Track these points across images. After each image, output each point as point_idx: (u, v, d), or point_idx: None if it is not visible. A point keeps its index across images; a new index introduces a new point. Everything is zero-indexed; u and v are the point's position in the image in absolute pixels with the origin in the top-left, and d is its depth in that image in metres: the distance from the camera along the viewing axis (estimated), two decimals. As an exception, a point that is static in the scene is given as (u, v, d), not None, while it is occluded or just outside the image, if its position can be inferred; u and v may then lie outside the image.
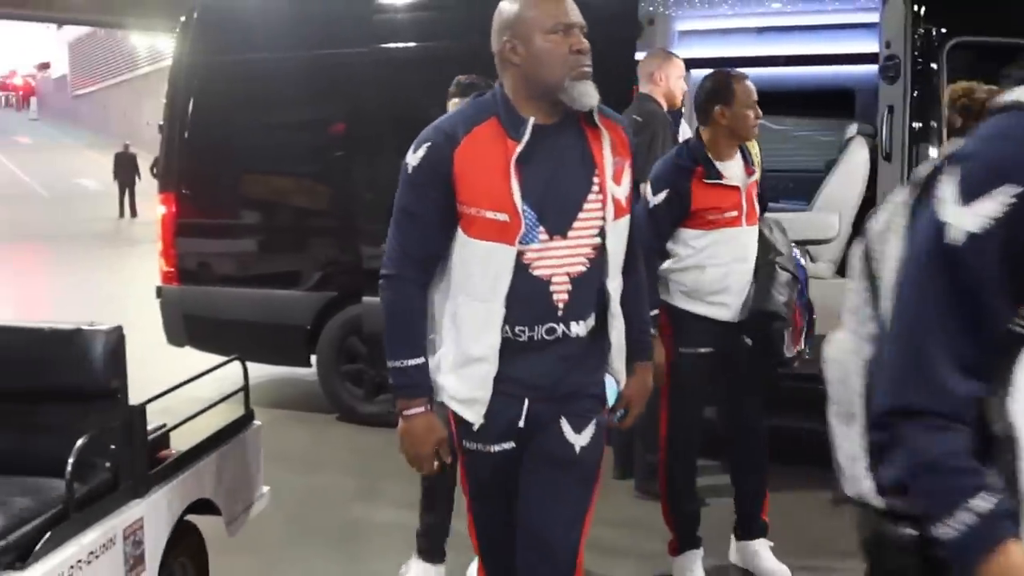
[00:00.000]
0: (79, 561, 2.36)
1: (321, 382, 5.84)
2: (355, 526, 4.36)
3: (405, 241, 2.20)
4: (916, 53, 4.57)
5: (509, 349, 2.15)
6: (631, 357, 2.36)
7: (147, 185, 21.68)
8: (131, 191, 21.79)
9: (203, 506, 3.07)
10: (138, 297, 7.30)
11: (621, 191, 2.20)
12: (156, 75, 35.81)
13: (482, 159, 2.09)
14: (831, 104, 6.23)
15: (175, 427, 3.01)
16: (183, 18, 6.15)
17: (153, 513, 2.72)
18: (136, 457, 2.68)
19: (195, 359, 5.40)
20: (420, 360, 2.20)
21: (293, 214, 6.06)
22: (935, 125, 4.50)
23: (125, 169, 21.86)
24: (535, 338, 2.14)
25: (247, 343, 5.66)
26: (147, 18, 28.21)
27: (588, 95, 2.08)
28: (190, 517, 3.02)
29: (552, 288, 2.13)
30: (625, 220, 2.23)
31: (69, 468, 2.38)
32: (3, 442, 2.62)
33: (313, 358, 5.85)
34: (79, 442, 2.42)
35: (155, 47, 35.39)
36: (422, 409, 2.22)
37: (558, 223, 2.12)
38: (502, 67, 2.15)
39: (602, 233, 2.17)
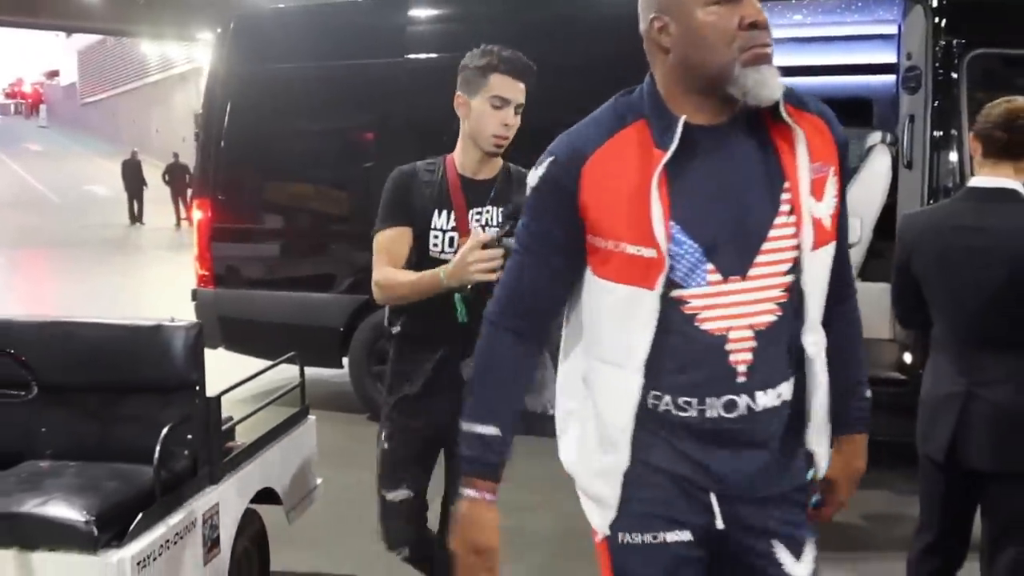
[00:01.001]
0: (167, 541, 2.52)
1: (353, 383, 5.99)
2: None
3: (513, 281, 1.71)
4: (937, 64, 4.73)
5: (670, 430, 1.62)
6: (839, 429, 1.78)
7: (156, 192, 21.95)
8: (139, 199, 21.99)
9: (266, 496, 3.23)
10: (155, 300, 7.45)
11: (823, 209, 1.62)
12: (166, 83, 36.12)
13: (620, 175, 1.58)
14: (850, 113, 6.36)
15: (242, 420, 3.17)
16: (219, 29, 6.33)
17: (226, 499, 2.88)
18: (212, 446, 2.83)
19: (232, 360, 5.55)
20: (494, 430, 1.70)
21: (325, 219, 6.22)
22: (955, 133, 4.65)
23: (132, 176, 22.07)
24: (708, 415, 1.59)
25: (281, 344, 5.80)
26: (157, 26, 28.52)
27: (767, 84, 1.54)
28: (253, 506, 3.18)
29: (729, 347, 1.57)
30: (829, 249, 1.64)
31: (157, 454, 2.53)
32: (91, 431, 2.78)
33: (345, 359, 5.99)
34: (164, 430, 2.58)
35: (165, 55, 35.68)
36: (480, 495, 1.70)
37: (734, 259, 1.56)
38: (651, 53, 1.65)
39: (796, 268, 1.59)
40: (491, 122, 2.56)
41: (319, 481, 3.66)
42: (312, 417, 3.61)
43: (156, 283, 12.85)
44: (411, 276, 2.53)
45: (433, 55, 5.74)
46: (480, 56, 2.56)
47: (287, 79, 6.04)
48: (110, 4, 27.71)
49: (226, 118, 6.18)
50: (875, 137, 5.59)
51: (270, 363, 3.43)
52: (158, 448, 2.54)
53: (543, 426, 2.90)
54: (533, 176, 1.69)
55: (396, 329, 2.70)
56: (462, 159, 2.63)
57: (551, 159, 1.66)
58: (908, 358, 4.69)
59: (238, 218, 6.21)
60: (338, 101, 6.00)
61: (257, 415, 3.25)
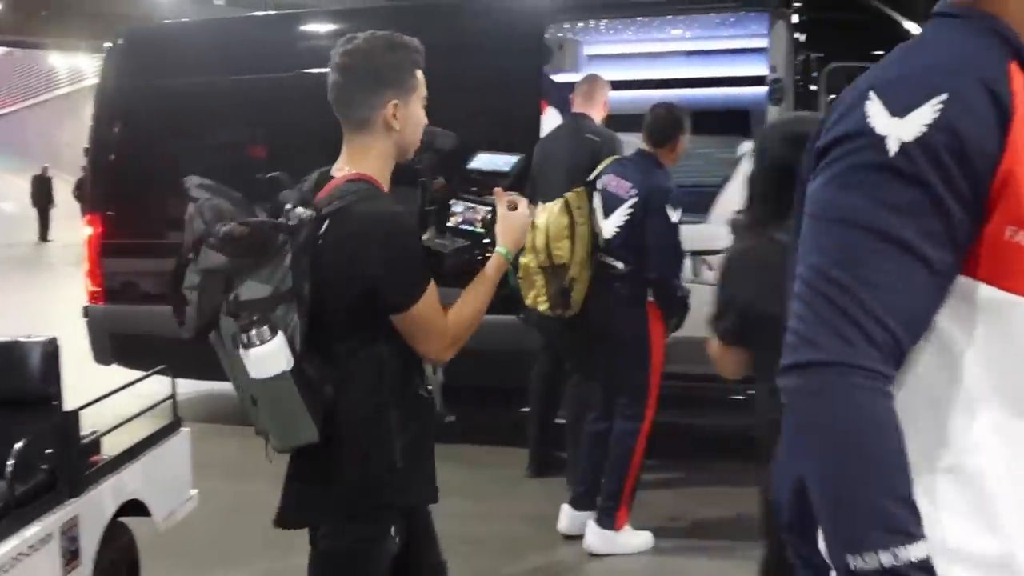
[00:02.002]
0: (20, 554, 2.56)
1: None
2: (281, 531, 4.55)
3: (869, 294, 1.05)
4: (798, 77, 5.00)
5: None
6: None
7: (68, 208, 21.43)
8: (45, 216, 21.50)
9: (135, 508, 3.27)
10: (62, 316, 7.35)
11: None
12: (76, 95, 35.20)
13: None
14: (727, 124, 6.64)
15: (105, 433, 3.21)
16: (109, 43, 6.31)
17: (87, 512, 2.92)
18: (71, 459, 2.87)
19: (123, 376, 5.53)
20: (923, 549, 1.00)
21: (219, 233, 6.23)
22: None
23: (41, 193, 21.58)
24: None
25: (175, 359, 5.81)
26: (67, 39, 27.86)
27: None
28: (123, 520, 3.22)
29: None
30: None
31: (9, 469, 2.57)
32: (-55, 447, 2.79)
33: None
34: (18, 445, 2.62)
35: (75, 67, 34.84)
36: None
37: None
38: None
39: None
40: (421, 128, 2.20)
41: (193, 493, 3.71)
42: (185, 429, 3.66)
43: (62, 301, 12.59)
44: (470, 294, 2.15)
45: (325, 70, 5.81)
46: (396, 48, 2.13)
47: (178, 93, 6.04)
48: (13, 14, 26.99)
49: (116, 133, 6.16)
50: (746, 147, 5.83)
51: (137, 377, 3.46)
52: (11, 462, 2.58)
53: None
54: (903, 124, 1.05)
55: None
56: (384, 177, 2.15)
57: (946, 97, 1.05)
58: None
59: (129, 233, 6.18)
60: (229, 116, 6.03)
61: (135, 433, 3.30)
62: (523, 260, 4.26)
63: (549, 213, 4.26)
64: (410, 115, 2.13)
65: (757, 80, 6.30)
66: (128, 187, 6.19)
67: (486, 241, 2.26)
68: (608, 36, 6.47)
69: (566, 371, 4.84)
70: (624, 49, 6.72)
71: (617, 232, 4.14)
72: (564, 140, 4.81)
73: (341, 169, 2.13)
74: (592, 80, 5.00)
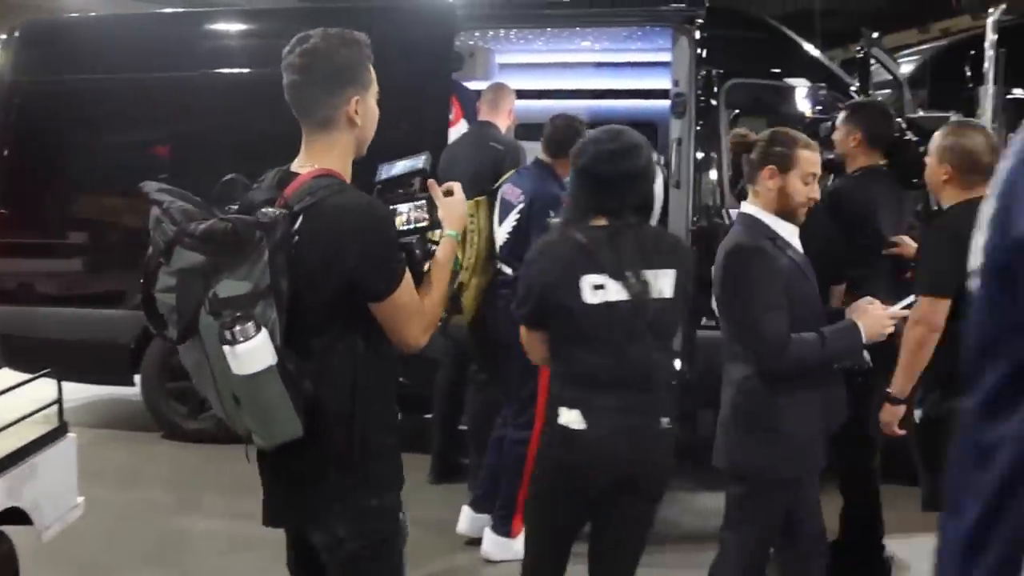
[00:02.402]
0: None
1: (145, 400, 5.87)
2: (174, 537, 4.47)
3: None
4: (699, 91, 5.11)
5: None
6: None
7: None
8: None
9: (16, 516, 3.15)
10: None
11: None
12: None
13: None
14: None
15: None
16: (3, 36, 6.08)
17: (-40, 520, 2.80)
18: (-57, 465, 2.76)
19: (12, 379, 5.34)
20: None
21: (116, 233, 6.05)
22: (715, 156, 5.05)
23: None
24: None
25: (67, 362, 5.64)
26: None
27: None
28: (3, 528, 3.10)
29: None
30: None
31: None
32: None
33: (137, 376, 5.87)
34: None
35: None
36: None
37: None
38: None
39: None
40: (376, 122, 2.21)
41: (80, 500, 3.59)
42: (72, 435, 3.54)
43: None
44: (433, 278, 2.20)
45: (234, 70, 5.72)
46: (351, 44, 2.14)
47: (77, 90, 5.86)
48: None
49: (10, 128, 5.95)
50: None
51: (20, 380, 3.35)
52: None
53: None
54: None
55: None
56: (347, 172, 2.17)
57: None
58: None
59: (22, 232, 5.97)
60: (131, 114, 5.87)
61: (21, 437, 3.19)
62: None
63: None
64: (368, 110, 2.16)
65: (663, 93, 6.43)
66: (22, 186, 5.98)
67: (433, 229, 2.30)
68: (519, 45, 6.52)
69: (470, 376, 4.85)
70: (534, 59, 6.78)
71: (507, 239, 4.20)
72: (468, 148, 4.84)
73: (304, 166, 2.14)
74: (497, 88, 5.03)
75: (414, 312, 2.11)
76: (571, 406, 2.58)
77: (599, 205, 2.61)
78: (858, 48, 4.75)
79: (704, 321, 4.45)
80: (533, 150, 4.87)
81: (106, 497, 4.42)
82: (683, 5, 5.31)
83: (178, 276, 1.98)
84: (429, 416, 5.19)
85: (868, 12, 12.69)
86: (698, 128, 5.11)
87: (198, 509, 4.80)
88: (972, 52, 11.59)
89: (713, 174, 5.06)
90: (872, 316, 2.82)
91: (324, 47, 2.11)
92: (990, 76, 8.30)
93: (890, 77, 5.37)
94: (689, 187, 5.07)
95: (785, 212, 2.88)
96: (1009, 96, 7.25)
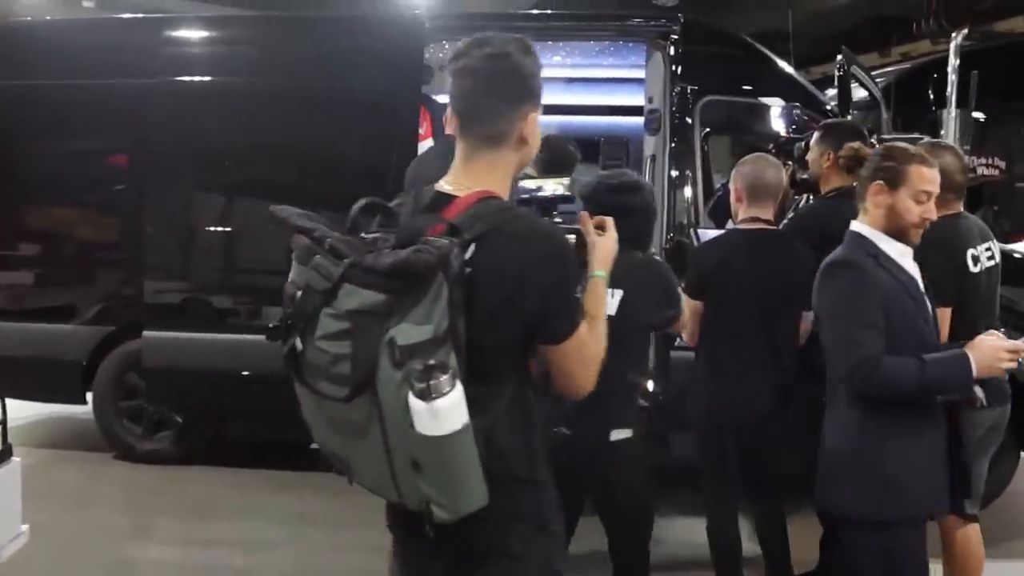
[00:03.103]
0: None
1: (97, 419, 5.64)
2: (125, 566, 4.26)
3: None
4: (674, 108, 5.03)
5: None
6: None
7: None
8: None
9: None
10: None
11: None
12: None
13: None
14: (607, 153, 6.66)
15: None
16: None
17: None
18: None
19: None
20: None
21: (70, 246, 5.80)
22: (689, 174, 4.96)
23: None
24: None
25: (17, 380, 5.41)
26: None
27: None
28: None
29: None
30: None
31: None
32: None
33: (89, 395, 5.64)
34: None
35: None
36: None
37: None
38: None
39: None
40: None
41: (24, 528, 3.37)
42: (16, 459, 3.33)
43: None
44: (592, 324, 1.93)
45: (194, 78, 5.52)
46: (531, 53, 1.90)
47: (29, 97, 5.63)
48: None
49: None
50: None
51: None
52: None
53: None
54: None
55: None
56: (507, 196, 1.92)
57: None
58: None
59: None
60: (86, 123, 5.64)
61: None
62: None
63: None
64: (537, 128, 1.91)
65: (635, 110, 6.35)
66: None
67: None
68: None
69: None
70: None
71: None
72: (434, 163, 4.68)
73: (461, 187, 1.84)
74: None
75: (591, 355, 1.88)
76: None
77: None
78: (838, 66, 4.70)
79: (678, 342, 4.34)
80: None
81: (54, 522, 4.20)
82: (658, 20, 5.25)
83: (351, 320, 1.65)
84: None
85: (832, 35, 12.79)
86: (672, 145, 5.02)
87: (151, 535, 4.58)
88: (935, 76, 11.78)
89: (688, 192, 4.96)
90: (985, 347, 2.57)
91: (511, 52, 1.84)
92: (953, 99, 8.43)
93: (863, 96, 5.34)
94: (663, 205, 4.97)
95: (895, 231, 2.73)
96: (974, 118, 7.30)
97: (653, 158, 5.23)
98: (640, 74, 6.13)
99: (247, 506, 4.94)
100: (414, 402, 1.59)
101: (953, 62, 8.42)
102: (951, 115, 7.85)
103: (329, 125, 5.28)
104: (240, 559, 4.28)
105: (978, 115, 9.17)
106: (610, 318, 2.39)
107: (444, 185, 1.87)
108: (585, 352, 1.86)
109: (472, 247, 1.71)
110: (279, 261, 5.27)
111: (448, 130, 5.07)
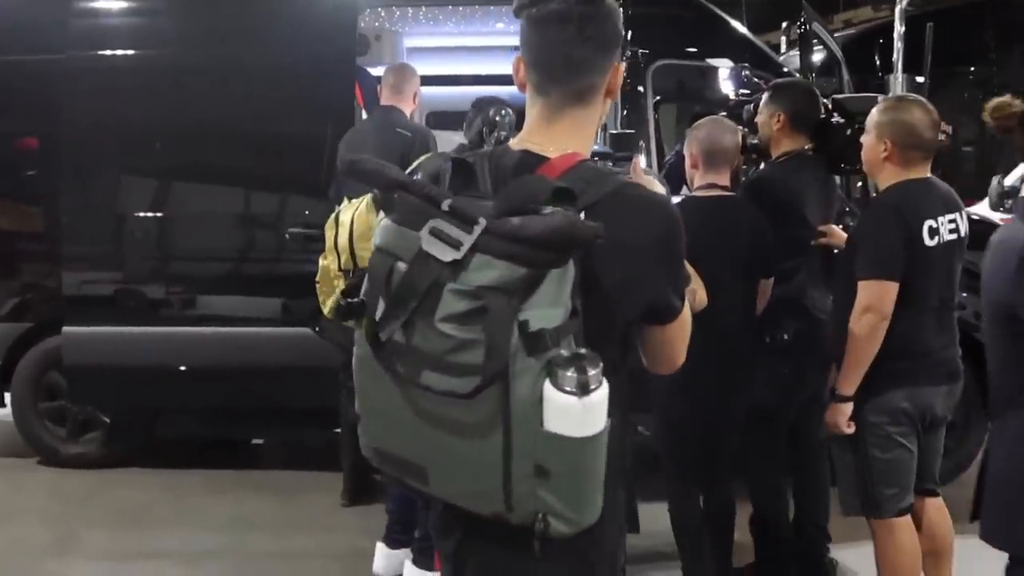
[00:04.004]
0: None
1: (17, 423, 5.25)
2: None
3: None
4: (625, 74, 4.75)
5: None
6: None
7: None
8: None
9: None
10: None
11: None
12: None
13: None
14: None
15: None
16: None
17: None
18: None
19: None
20: None
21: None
22: (642, 143, 4.72)
23: None
24: None
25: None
26: None
27: None
28: None
29: None
30: None
31: None
32: None
33: (7, 395, 5.25)
34: None
35: None
36: None
37: None
38: None
39: None
40: None
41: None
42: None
43: None
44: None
45: (111, 52, 5.10)
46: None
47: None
48: None
49: None
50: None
51: None
52: None
53: None
54: None
55: None
56: None
57: None
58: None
59: None
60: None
61: None
62: (323, 262, 3.81)
63: (355, 210, 3.86)
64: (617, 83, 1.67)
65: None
66: None
67: None
68: (428, 27, 6.09)
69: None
70: (446, 42, 6.36)
71: None
72: (372, 135, 4.39)
73: (548, 147, 1.58)
74: (399, 70, 4.60)
75: (687, 332, 1.68)
76: None
77: None
78: (798, 24, 4.48)
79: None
80: (446, 140, 4.46)
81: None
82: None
83: (484, 297, 1.36)
84: (339, 431, 4.74)
85: (774, 2, 12.67)
86: (624, 113, 4.76)
87: (78, 548, 4.23)
88: (881, 41, 11.75)
89: (642, 161, 4.71)
90: None
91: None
92: (899, 64, 8.36)
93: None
94: (616, 175, 4.73)
95: None
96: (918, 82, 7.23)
97: (604, 127, 4.96)
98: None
99: (183, 512, 4.61)
100: (557, 398, 1.34)
101: (899, 28, 8.38)
102: (898, 80, 7.79)
103: (257, 100, 4.93)
104: (177, 571, 3.97)
105: (921, 80, 9.19)
106: None
107: (531, 143, 1.60)
108: (688, 327, 1.67)
109: (582, 216, 1.43)
110: (211, 245, 5.13)
111: (383, 101, 4.75)
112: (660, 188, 1.90)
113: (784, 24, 6.31)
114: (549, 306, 1.36)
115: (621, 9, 1.62)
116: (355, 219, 3.86)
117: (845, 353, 2.99)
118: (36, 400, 5.20)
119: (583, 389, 1.34)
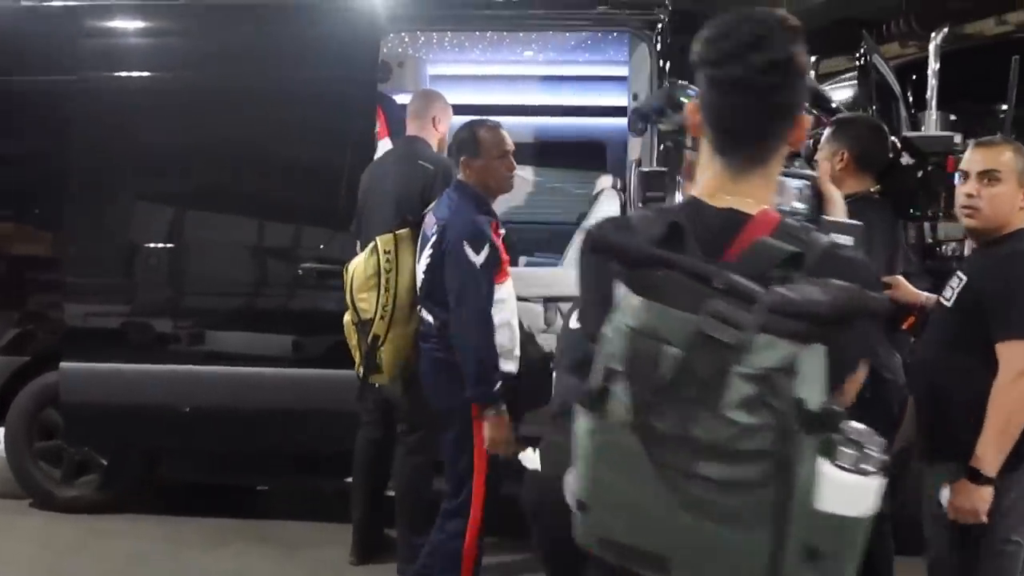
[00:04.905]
0: None
1: (10, 462, 4.97)
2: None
3: None
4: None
5: None
6: None
7: None
8: None
9: None
10: None
11: None
12: None
13: None
14: (583, 156, 6.17)
15: None
16: None
17: None
18: None
19: None
20: None
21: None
22: (679, 179, 4.43)
23: None
24: None
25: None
26: None
27: None
28: None
29: None
30: None
31: None
32: None
33: (1, 433, 5.00)
34: None
35: None
36: None
37: None
38: None
39: None
40: None
41: None
42: None
43: None
44: None
45: (124, 73, 4.85)
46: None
47: None
48: None
49: None
50: (604, 181, 5.36)
51: None
52: None
53: None
54: None
55: None
56: None
57: None
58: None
59: None
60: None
61: None
62: (345, 317, 3.62)
63: (361, 258, 3.66)
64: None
65: (614, 111, 5.84)
66: None
67: None
68: (452, 54, 5.85)
69: (398, 436, 4.12)
70: (470, 70, 6.12)
71: (423, 278, 3.51)
72: (393, 167, 4.13)
73: (745, 204, 1.49)
74: (426, 96, 4.34)
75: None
76: (536, 444, 2.48)
77: None
78: (858, 55, 4.20)
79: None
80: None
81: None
82: (643, 8, 4.72)
83: (769, 380, 1.29)
84: (349, 480, 4.43)
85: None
86: (661, 148, 4.48)
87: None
88: (913, 77, 11.49)
89: (679, 199, 4.42)
90: None
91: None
92: (933, 102, 8.12)
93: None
94: (651, 214, 4.44)
95: None
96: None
97: (639, 162, 4.69)
98: (617, 71, 5.62)
99: (180, 565, 4.30)
100: (838, 476, 1.30)
101: (933, 64, 8.15)
102: (932, 116, 7.57)
103: (273, 126, 4.69)
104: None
105: (952, 117, 9.00)
106: None
107: (723, 199, 1.50)
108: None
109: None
110: (220, 279, 4.86)
111: (409, 131, 4.51)
112: None
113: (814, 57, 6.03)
114: (818, 380, 1.30)
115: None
116: (354, 269, 3.66)
117: (986, 426, 2.59)
118: (31, 439, 4.93)
119: (864, 467, 1.30)
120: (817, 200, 1.66)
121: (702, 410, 1.31)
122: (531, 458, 2.62)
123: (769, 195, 1.54)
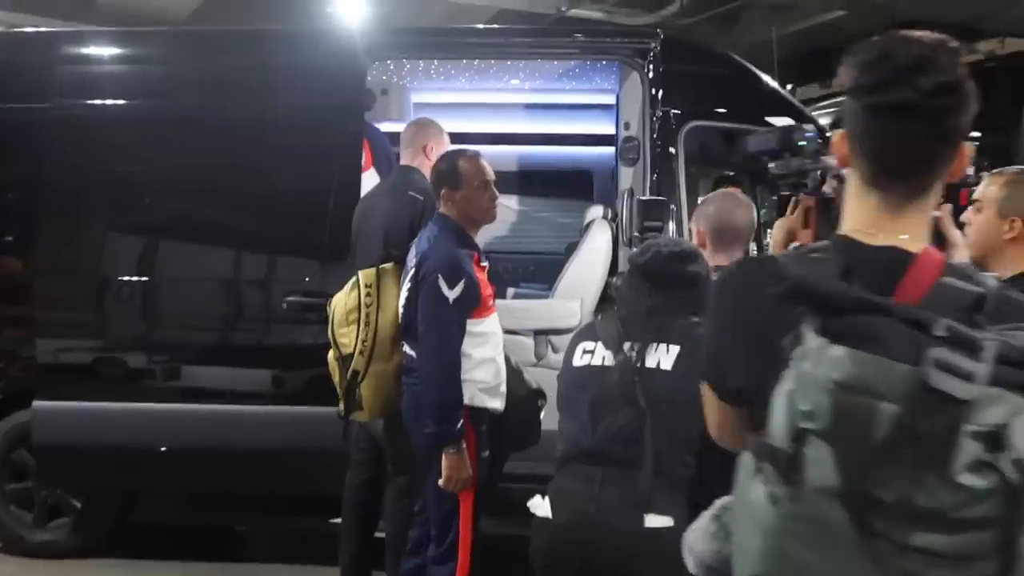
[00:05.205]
0: None
1: (-22, 505, 4.76)
2: None
3: None
4: (655, 135, 4.42)
5: None
6: None
7: None
8: None
9: None
10: None
11: None
12: None
13: None
14: (570, 185, 6.09)
15: None
16: None
17: None
18: None
19: None
20: None
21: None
22: (674, 208, 4.35)
23: None
24: None
25: None
26: None
27: None
28: None
29: None
30: None
31: None
32: None
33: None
34: None
35: None
36: None
37: None
38: None
39: None
40: None
41: None
42: None
43: None
44: None
45: (102, 101, 4.71)
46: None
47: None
48: None
49: None
50: (595, 211, 5.26)
51: None
52: None
53: None
54: None
55: None
56: None
57: None
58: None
59: None
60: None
61: None
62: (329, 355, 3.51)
63: (343, 292, 3.55)
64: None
65: (602, 139, 5.77)
66: None
67: None
68: (438, 82, 5.76)
69: (388, 477, 3.98)
70: (455, 98, 6.02)
71: (403, 312, 3.43)
72: (383, 198, 4.01)
73: (908, 242, 1.38)
74: (419, 126, 4.22)
75: None
76: (545, 491, 2.54)
77: None
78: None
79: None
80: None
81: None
82: (634, 37, 4.66)
83: (1002, 435, 1.17)
84: (337, 521, 4.27)
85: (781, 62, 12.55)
86: (654, 177, 4.40)
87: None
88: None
89: (672, 230, 4.33)
90: None
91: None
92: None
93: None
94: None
95: None
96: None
97: (631, 192, 4.60)
98: (606, 99, 5.56)
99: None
100: None
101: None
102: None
103: (254, 155, 4.56)
104: None
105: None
106: (665, 373, 2.48)
107: (883, 239, 1.39)
108: None
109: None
110: (200, 313, 4.70)
111: (402, 160, 4.39)
112: None
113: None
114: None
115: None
116: (336, 304, 3.58)
117: None
118: (1, 481, 4.74)
119: None
120: (937, 243, 1.53)
121: (926, 474, 1.18)
122: (540, 504, 2.51)
123: (926, 232, 1.43)
